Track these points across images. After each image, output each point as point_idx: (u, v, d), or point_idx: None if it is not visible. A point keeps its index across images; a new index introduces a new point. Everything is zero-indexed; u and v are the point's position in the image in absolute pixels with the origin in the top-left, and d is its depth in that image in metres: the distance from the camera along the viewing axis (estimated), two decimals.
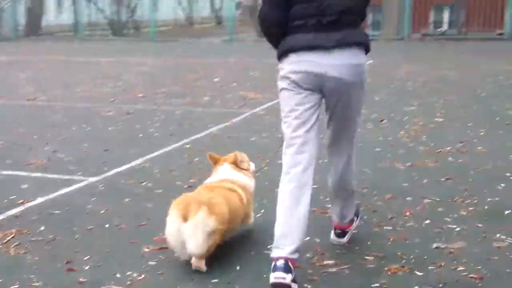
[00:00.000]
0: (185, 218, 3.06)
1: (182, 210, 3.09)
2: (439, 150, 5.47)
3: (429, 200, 4.17)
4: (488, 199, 4.17)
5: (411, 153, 5.42)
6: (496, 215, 3.87)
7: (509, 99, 7.88)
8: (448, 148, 5.54)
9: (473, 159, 5.16)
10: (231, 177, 3.51)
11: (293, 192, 2.95)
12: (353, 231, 3.51)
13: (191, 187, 4.28)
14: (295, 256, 2.89)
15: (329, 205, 3.58)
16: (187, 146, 5.92)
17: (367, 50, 3.05)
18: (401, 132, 6.23)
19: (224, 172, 3.55)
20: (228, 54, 15.61)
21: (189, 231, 3.04)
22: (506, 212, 3.93)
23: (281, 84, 3.06)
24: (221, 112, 7.60)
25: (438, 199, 4.18)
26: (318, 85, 2.97)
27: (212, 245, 3.11)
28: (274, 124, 6.76)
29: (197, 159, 5.37)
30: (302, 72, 2.96)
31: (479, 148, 5.52)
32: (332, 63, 2.92)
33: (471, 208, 4.00)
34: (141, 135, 6.42)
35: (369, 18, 19.46)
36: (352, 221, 3.46)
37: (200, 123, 6.97)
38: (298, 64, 2.97)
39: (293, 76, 2.98)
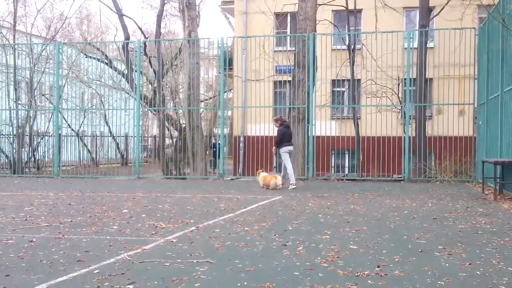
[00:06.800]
0: (275, 178, 15.72)
1: (273, 177, 15.86)
2: (358, 274, 5.42)
3: None
4: None
5: (330, 276, 5.32)
6: None
7: (417, 230, 8.07)
8: (367, 272, 5.50)
9: (392, 282, 5.11)
10: (268, 173, 16.69)
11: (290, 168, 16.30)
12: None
13: None
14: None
15: None
16: (96, 271, 5.55)
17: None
18: (318, 258, 6.16)
19: (265, 173, 16.34)
20: (135, 189, 15.37)
21: (278, 181, 15.58)
22: None
23: (285, 152, 16.03)
24: (132, 240, 7.28)
25: None
26: (290, 152, 16.34)
27: (280, 185, 15.75)
28: (187, 251, 6.56)
29: (107, 283, 5.05)
30: (289, 150, 16.19)
31: (396, 272, 5.51)
32: (291, 148, 16.46)
33: None
34: (44, 262, 6.00)
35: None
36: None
37: (109, 250, 6.63)
38: (287, 148, 16.11)
39: (287, 150, 16.11)
